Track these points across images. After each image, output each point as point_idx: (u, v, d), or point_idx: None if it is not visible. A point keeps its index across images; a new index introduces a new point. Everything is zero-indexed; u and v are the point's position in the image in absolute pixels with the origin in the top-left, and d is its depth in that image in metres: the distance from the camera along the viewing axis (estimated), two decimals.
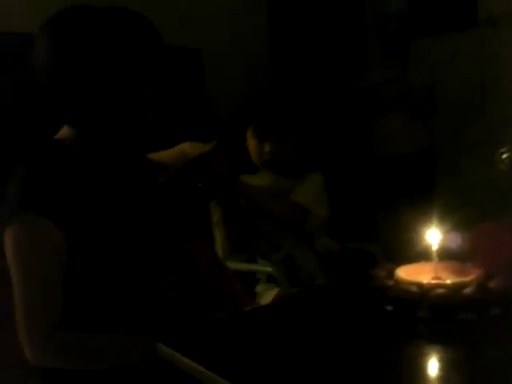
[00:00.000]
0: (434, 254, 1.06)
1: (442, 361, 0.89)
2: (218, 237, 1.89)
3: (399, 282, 1.05)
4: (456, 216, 1.10)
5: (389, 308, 1.03)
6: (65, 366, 1.12)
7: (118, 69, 1.15)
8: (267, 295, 1.79)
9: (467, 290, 0.99)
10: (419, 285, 1.02)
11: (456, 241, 1.08)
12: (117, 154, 1.26)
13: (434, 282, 1.02)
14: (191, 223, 1.40)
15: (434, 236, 1.07)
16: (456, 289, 1.00)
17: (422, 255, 1.09)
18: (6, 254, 1.10)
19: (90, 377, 1.13)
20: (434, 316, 0.98)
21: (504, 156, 2.88)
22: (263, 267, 1.80)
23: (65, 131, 1.23)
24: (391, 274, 1.09)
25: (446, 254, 1.09)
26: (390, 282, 1.06)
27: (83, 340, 1.12)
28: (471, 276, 1.03)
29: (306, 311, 1.09)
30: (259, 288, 1.91)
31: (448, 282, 1.02)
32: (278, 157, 1.87)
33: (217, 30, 3.26)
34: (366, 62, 4.11)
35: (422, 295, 1.00)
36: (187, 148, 1.62)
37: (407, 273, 1.08)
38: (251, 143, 1.89)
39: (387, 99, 3.17)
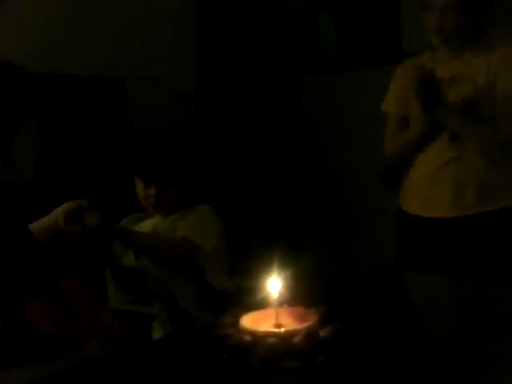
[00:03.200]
0: (275, 301, 1.10)
1: None
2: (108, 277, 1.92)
3: (238, 330, 1.08)
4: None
5: (225, 355, 1.06)
6: None
7: None
8: (158, 332, 1.82)
9: (296, 339, 1.03)
10: (252, 333, 1.05)
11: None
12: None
13: (269, 330, 1.06)
14: (62, 258, 1.41)
15: (274, 284, 1.11)
16: (286, 337, 1.03)
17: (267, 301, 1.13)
18: None
19: None
20: (263, 364, 1.02)
21: None
22: (145, 308, 1.82)
23: None
24: (237, 321, 1.12)
25: (289, 300, 1.13)
26: (231, 330, 1.09)
27: None
28: (306, 323, 1.07)
29: (154, 359, 1.12)
30: (155, 323, 1.93)
31: (282, 330, 1.06)
32: (163, 200, 1.91)
33: (142, 60, 3.30)
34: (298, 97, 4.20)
35: (254, 344, 1.03)
36: (60, 219, 1.65)
37: (251, 320, 1.11)
38: (138, 187, 1.94)
39: None
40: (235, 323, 1.12)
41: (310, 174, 4.18)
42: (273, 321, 1.10)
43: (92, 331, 1.33)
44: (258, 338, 1.04)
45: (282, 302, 1.11)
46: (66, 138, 2.73)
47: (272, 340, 1.03)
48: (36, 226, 1.65)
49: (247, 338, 1.05)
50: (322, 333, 1.05)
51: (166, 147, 1.93)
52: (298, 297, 1.15)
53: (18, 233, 1.35)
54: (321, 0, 4.14)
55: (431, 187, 2.02)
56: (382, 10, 3.88)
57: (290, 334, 1.04)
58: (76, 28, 3.04)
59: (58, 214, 1.66)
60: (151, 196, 1.89)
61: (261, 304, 1.15)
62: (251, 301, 1.18)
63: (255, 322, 1.10)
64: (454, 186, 1.96)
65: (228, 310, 1.18)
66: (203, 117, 3.61)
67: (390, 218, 3.43)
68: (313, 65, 4.20)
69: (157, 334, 1.84)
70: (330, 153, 4.05)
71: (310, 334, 1.03)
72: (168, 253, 1.84)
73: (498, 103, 1.91)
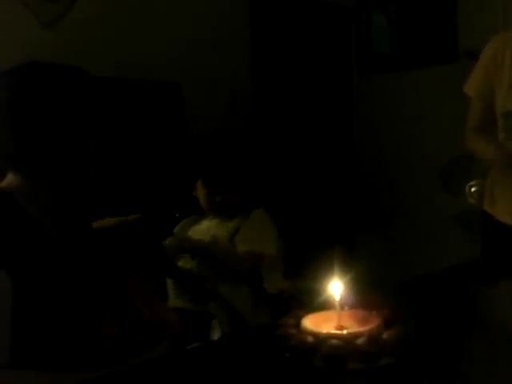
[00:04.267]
0: (337, 304, 1.11)
1: None
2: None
3: (301, 331, 1.10)
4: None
5: (287, 356, 1.07)
6: None
7: (60, 122, 1.26)
8: (216, 332, 1.85)
9: (359, 341, 1.04)
10: (315, 335, 1.06)
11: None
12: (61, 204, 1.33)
13: (331, 331, 1.07)
14: (126, 262, 1.46)
15: (336, 286, 1.12)
16: (349, 339, 1.04)
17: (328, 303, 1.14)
18: None
19: None
20: (326, 365, 1.03)
21: (473, 190, 2.93)
22: (205, 308, 1.86)
23: (10, 179, 1.30)
24: (299, 323, 1.14)
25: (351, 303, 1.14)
26: (294, 331, 1.11)
27: None
28: (369, 326, 1.08)
29: (216, 359, 1.14)
30: (214, 322, 1.97)
31: (344, 332, 1.06)
32: (227, 205, 1.96)
33: (197, 63, 3.34)
34: (351, 103, 4.18)
35: (317, 345, 1.05)
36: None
37: (313, 321, 1.13)
38: (200, 193, 1.99)
39: None
40: (297, 324, 1.13)
41: (362, 175, 4.15)
42: (335, 323, 1.11)
43: (159, 333, 1.37)
44: (321, 340, 1.05)
45: (343, 305, 1.12)
46: (124, 141, 2.79)
47: (335, 341, 1.04)
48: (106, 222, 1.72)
49: (310, 339, 1.06)
50: (386, 335, 1.05)
51: (229, 155, 1.99)
52: (359, 299, 1.16)
53: (91, 238, 1.40)
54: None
55: None
56: (439, 9, 3.82)
57: (353, 336, 1.05)
58: (129, 31, 3.11)
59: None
60: (215, 202, 1.96)
61: (322, 306, 1.16)
62: (312, 302, 1.19)
63: (317, 324, 1.11)
64: None
65: (289, 312, 1.19)
66: (257, 118, 3.63)
67: (447, 220, 3.38)
68: (366, 64, 4.17)
69: (216, 333, 1.87)
70: (382, 153, 4.01)
71: (373, 337, 1.04)
72: (238, 269, 1.91)
73: None
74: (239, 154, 2.03)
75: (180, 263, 1.99)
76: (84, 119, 1.31)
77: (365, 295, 1.18)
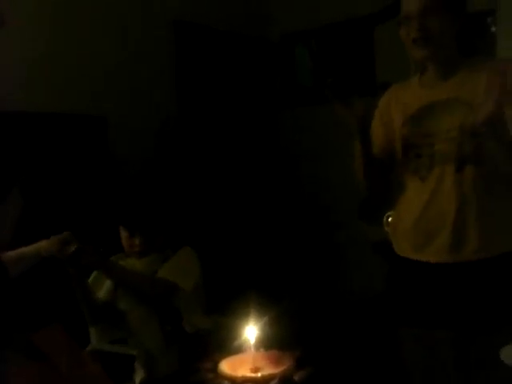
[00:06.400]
0: (252, 346, 1.15)
1: None
2: None
3: (218, 376, 1.13)
4: None
5: None
6: None
7: None
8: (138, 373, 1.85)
9: (272, 383, 1.08)
10: (232, 379, 1.10)
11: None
12: None
13: (246, 375, 1.11)
14: (34, 309, 1.44)
15: (251, 329, 1.16)
16: (264, 382, 1.08)
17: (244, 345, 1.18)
18: None
19: None
20: None
21: (390, 219, 3.04)
22: (126, 350, 1.86)
23: None
24: (216, 366, 1.17)
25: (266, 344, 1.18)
26: (211, 375, 1.14)
27: None
28: (281, 367, 1.12)
29: None
30: (136, 364, 1.97)
31: (259, 375, 1.10)
32: (148, 248, 1.97)
33: (122, 96, 3.34)
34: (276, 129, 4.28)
35: None
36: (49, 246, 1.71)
37: (230, 364, 1.16)
38: (122, 235, 1.99)
39: None
40: (214, 368, 1.16)
41: (287, 209, 4.23)
42: (250, 365, 1.15)
43: None
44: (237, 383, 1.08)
45: (258, 347, 1.16)
46: (48, 175, 2.75)
47: None
48: (14, 253, 1.69)
49: (226, 383, 1.09)
50: (297, 377, 1.10)
51: (149, 199, 2.00)
52: (274, 341, 1.20)
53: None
54: (297, 33, 4.25)
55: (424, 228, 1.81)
56: (357, 43, 3.99)
57: (268, 378, 1.09)
58: (59, 66, 3.08)
59: (49, 242, 1.72)
60: (136, 245, 1.96)
61: (238, 348, 1.19)
62: (229, 343, 1.22)
63: (234, 367, 1.15)
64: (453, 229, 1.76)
65: (204, 350, 1.22)
66: (184, 150, 3.66)
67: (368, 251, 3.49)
68: (289, 97, 4.29)
69: (138, 376, 1.87)
70: (307, 184, 4.12)
71: (285, 379, 1.08)
72: (147, 289, 1.91)
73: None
74: (159, 195, 2.05)
75: (99, 294, 1.99)
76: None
77: (279, 337, 1.22)
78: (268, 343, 1.18)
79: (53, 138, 2.87)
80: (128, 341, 1.92)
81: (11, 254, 1.66)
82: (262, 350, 1.17)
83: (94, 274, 1.96)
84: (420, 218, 1.81)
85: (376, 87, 3.80)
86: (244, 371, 1.13)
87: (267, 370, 1.12)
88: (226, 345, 1.22)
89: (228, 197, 3.82)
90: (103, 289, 1.97)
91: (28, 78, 2.90)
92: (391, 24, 2.78)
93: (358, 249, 3.72)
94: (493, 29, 3.46)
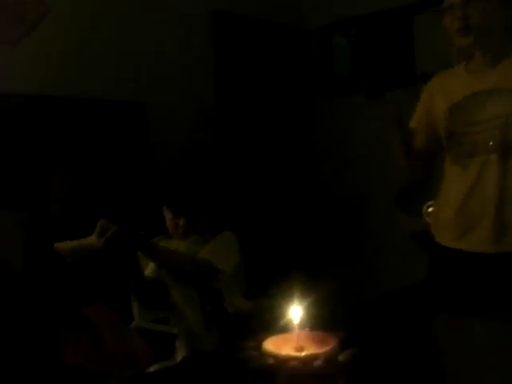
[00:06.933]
0: (296, 326, 1.17)
1: None
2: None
3: (262, 354, 1.15)
4: None
5: (249, 378, 1.12)
6: None
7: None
8: (180, 352, 1.89)
9: (316, 362, 1.09)
10: (275, 357, 1.12)
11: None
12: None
13: (290, 353, 1.12)
14: (86, 287, 1.48)
15: (295, 310, 1.18)
16: (307, 361, 1.10)
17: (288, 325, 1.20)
18: None
19: None
20: None
21: (430, 210, 3.03)
22: (168, 328, 1.90)
23: None
24: (259, 345, 1.19)
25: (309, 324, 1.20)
26: (255, 353, 1.16)
27: None
28: (326, 347, 1.13)
29: (177, 381, 1.18)
30: (177, 343, 2.01)
31: (303, 354, 1.12)
32: (191, 229, 2.01)
33: (163, 83, 3.39)
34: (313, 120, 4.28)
35: (277, 367, 1.10)
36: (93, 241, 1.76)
37: (274, 343, 1.18)
38: (166, 216, 2.03)
39: None
40: (258, 347, 1.18)
41: (325, 196, 4.24)
42: (294, 344, 1.16)
43: (122, 360, 1.39)
44: (281, 362, 1.10)
45: (302, 327, 1.18)
46: (90, 161, 2.82)
47: (294, 363, 1.09)
48: (65, 245, 1.74)
49: (270, 360, 1.11)
50: (341, 357, 1.11)
51: (194, 181, 2.03)
52: (318, 322, 1.21)
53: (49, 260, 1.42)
54: (335, 23, 4.23)
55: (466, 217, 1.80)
56: (397, 33, 3.95)
57: (311, 358, 1.10)
58: (102, 53, 3.14)
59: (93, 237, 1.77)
60: (180, 226, 2.00)
61: (283, 329, 1.21)
62: (273, 324, 1.24)
63: (277, 346, 1.16)
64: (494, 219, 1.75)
65: (247, 332, 1.24)
66: (222, 139, 3.69)
67: (405, 240, 3.48)
68: (327, 87, 4.28)
69: (180, 354, 1.91)
70: (344, 174, 4.11)
71: (329, 359, 1.09)
72: (188, 270, 1.93)
73: None
74: (203, 177, 2.09)
75: (146, 272, 2.03)
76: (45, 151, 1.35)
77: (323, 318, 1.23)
78: (312, 324, 1.20)
79: (96, 123, 2.93)
80: (169, 320, 1.96)
81: (67, 244, 1.72)
82: (306, 330, 1.19)
83: (139, 254, 2.00)
84: (462, 208, 1.81)
85: (416, 77, 3.77)
86: (288, 350, 1.14)
87: (311, 350, 1.14)
88: (270, 326, 1.24)
89: (267, 182, 3.84)
90: (148, 268, 2.01)
91: (73, 66, 2.96)
92: (431, 13, 2.76)
93: (393, 237, 3.71)
94: None
